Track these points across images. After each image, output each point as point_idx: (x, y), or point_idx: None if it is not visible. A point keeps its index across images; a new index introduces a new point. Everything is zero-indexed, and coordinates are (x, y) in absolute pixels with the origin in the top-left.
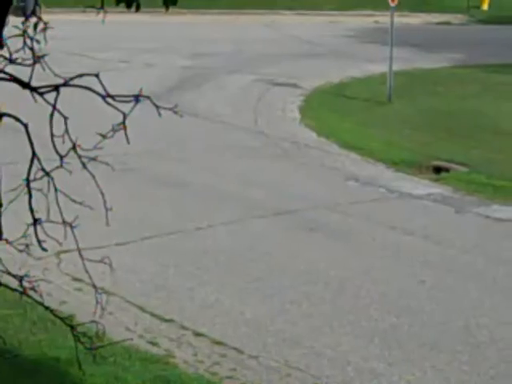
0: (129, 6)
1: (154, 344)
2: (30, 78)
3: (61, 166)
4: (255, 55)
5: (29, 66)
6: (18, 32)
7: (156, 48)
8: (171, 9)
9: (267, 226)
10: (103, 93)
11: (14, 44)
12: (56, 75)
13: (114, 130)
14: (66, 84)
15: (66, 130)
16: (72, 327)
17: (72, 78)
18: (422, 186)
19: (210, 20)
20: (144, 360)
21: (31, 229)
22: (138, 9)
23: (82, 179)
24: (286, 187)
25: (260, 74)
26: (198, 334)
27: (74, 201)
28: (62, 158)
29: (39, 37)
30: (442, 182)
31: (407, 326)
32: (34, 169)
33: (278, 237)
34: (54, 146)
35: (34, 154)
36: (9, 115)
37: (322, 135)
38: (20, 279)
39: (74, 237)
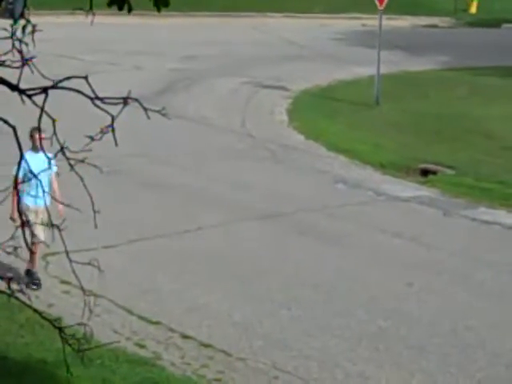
0: (120, 9)
1: (141, 346)
2: (19, 80)
3: (49, 168)
4: (244, 58)
5: (17, 68)
6: (6, 34)
7: (145, 50)
8: (161, 11)
9: (255, 229)
10: (92, 95)
11: (2, 46)
12: (45, 77)
13: (102, 133)
14: (54, 86)
15: (54, 133)
16: (60, 329)
17: (61, 81)
18: (409, 188)
19: (199, 23)
20: (131, 362)
21: (19, 231)
22: (129, 11)
23: (70, 181)
24: (274, 190)
25: (248, 76)
26: (185, 337)
27: (61, 203)
28: (50, 160)
29: (28, 39)
30: (430, 185)
31: (395, 328)
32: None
33: (267, 239)
34: (42, 148)
35: (22, 156)
36: None
37: (310, 138)
38: (8, 281)
39: (62, 239)
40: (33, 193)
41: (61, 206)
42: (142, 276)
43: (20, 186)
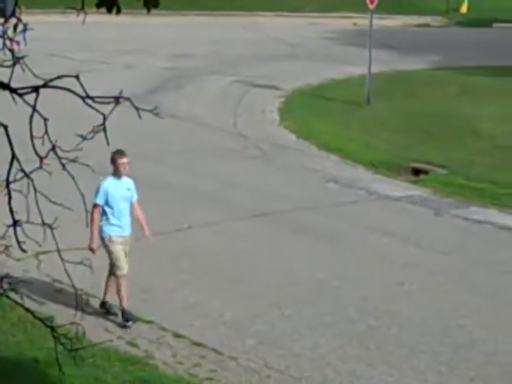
0: (109, 11)
1: (133, 345)
2: (10, 79)
3: (40, 167)
4: (235, 57)
5: (8, 67)
6: None
7: (136, 49)
8: (152, 10)
9: (247, 228)
10: (83, 94)
11: None
12: (36, 76)
13: (93, 132)
14: (45, 85)
15: (46, 132)
16: (52, 328)
17: (52, 80)
18: (400, 188)
19: (190, 21)
20: (123, 361)
21: (11, 230)
22: (118, 12)
23: (61, 181)
24: (266, 189)
25: (240, 75)
26: (177, 336)
27: (53, 202)
28: (41, 159)
29: (19, 38)
30: (421, 184)
31: (386, 327)
32: (13, 170)
33: (259, 238)
34: (34, 147)
35: (13, 155)
36: None
37: (302, 137)
38: (0, 280)
39: (54, 238)
40: (114, 221)
41: (148, 233)
42: (134, 275)
43: (96, 215)
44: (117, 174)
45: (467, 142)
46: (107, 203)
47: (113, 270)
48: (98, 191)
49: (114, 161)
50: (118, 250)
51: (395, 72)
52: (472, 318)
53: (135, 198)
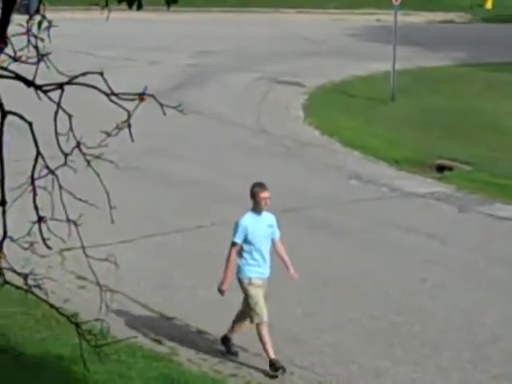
0: (130, 6)
1: (157, 342)
2: (35, 76)
3: (65, 164)
4: (259, 53)
5: (33, 64)
6: (22, 30)
7: (160, 46)
8: (174, 7)
9: None
10: (108, 91)
11: (18, 42)
12: (60, 73)
13: (118, 128)
14: (70, 82)
15: (71, 128)
16: (77, 325)
17: (76, 76)
18: (425, 184)
19: (213, 18)
20: (148, 358)
21: (36, 226)
22: (139, 8)
23: (86, 177)
24: (289, 185)
25: (263, 72)
26: (201, 332)
27: (78, 199)
28: (66, 156)
29: (43, 35)
30: (445, 181)
31: (409, 324)
32: (38, 167)
33: (281, 235)
34: (59, 144)
35: (38, 151)
36: (13, 113)
37: (325, 133)
38: (25, 277)
39: (79, 235)
40: (254, 262)
41: (292, 271)
42: (158, 271)
43: (234, 254)
44: (257, 209)
45: (492, 138)
46: (246, 241)
47: (251, 316)
48: (236, 228)
49: (254, 195)
50: (259, 294)
51: (419, 69)
52: (494, 315)
53: (277, 234)
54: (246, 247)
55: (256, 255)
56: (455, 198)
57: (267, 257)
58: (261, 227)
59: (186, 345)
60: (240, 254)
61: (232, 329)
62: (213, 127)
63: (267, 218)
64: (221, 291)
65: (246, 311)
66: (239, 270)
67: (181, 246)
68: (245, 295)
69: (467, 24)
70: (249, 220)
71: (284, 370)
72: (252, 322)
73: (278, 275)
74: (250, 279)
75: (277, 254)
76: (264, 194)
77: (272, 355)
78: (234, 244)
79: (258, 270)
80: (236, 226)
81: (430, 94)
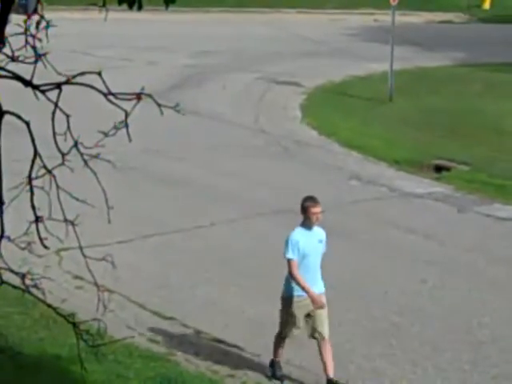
0: (131, 7)
1: (155, 342)
2: (32, 75)
3: (62, 163)
4: (257, 54)
5: (31, 63)
6: (20, 30)
7: (158, 46)
8: (173, 7)
9: (269, 225)
10: (105, 91)
11: (16, 42)
12: (58, 73)
13: (115, 128)
14: (68, 82)
15: (68, 128)
16: (74, 325)
17: (74, 76)
18: (423, 184)
19: (211, 18)
20: (145, 358)
21: (33, 226)
22: (140, 8)
23: (83, 177)
24: (288, 186)
25: (262, 72)
26: (199, 332)
27: (75, 198)
28: (63, 155)
29: (41, 35)
30: (444, 181)
31: (409, 324)
32: (35, 166)
33: (281, 235)
34: (56, 143)
35: (35, 151)
36: (11, 113)
37: (324, 134)
38: (22, 277)
39: (76, 234)
40: (304, 279)
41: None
42: (156, 271)
43: (296, 269)
44: (308, 224)
45: (490, 138)
46: (296, 257)
47: (284, 331)
48: (287, 245)
49: (305, 210)
50: (295, 313)
51: (418, 69)
52: (494, 315)
53: (323, 251)
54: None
55: (305, 272)
56: (454, 198)
57: (318, 273)
58: (311, 243)
59: (184, 345)
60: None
61: (325, 364)
62: (211, 127)
63: (318, 233)
64: (320, 305)
65: (316, 334)
66: (285, 288)
67: (179, 246)
68: (281, 311)
69: (465, 24)
70: (299, 235)
71: (280, 380)
72: (282, 335)
73: (279, 274)
74: (299, 297)
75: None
76: (315, 209)
77: (277, 358)
78: (290, 260)
79: (311, 286)
80: (287, 241)
81: (429, 94)
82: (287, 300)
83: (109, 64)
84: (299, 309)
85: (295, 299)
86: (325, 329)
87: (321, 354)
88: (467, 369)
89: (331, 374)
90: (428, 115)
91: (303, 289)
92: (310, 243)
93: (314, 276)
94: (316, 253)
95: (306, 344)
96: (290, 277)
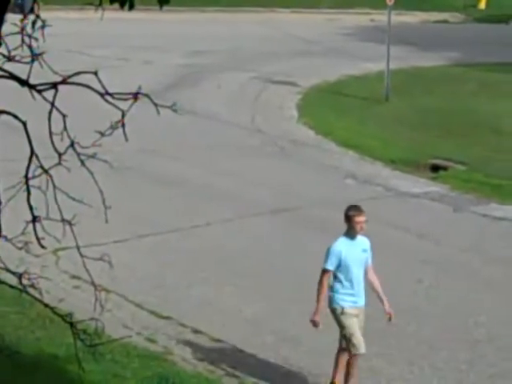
0: (122, 6)
1: (152, 341)
2: (29, 75)
3: (59, 163)
4: (252, 53)
5: (27, 63)
6: (16, 29)
7: (154, 46)
8: (168, 7)
9: (265, 224)
10: (102, 90)
11: (12, 41)
12: (54, 73)
13: (112, 128)
14: (64, 82)
15: (65, 128)
16: (71, 324)
17: (70, 76)
18: (419, 184)
19: (207, 18)
20: (142, 357)
21: (30, 226)
22: (131, 8)
23: (80, 177)
24: (284, 185)
25: (257, 71)
26: (196, 332)
27: (72, 198)
28: (60, 155)
29: (37, 34)
30: (440, 181)
31: (405, 324)
32: (32, 166)
33: (277, 235)
34: (53, 143)
35: (32, 151)
36: (7, 113)
37: (320, 133)
38: (19, 276)
39: (73, 234)
40: (347, 290)
41: (388, 307)
42: (153, 271)
43: (326, 282)
44: (351, 233)
45: (486, 138)
46: (339, 268)
47: (347, 346)
48: (328, 254)
49: (349, 218)
50: (353, 325)
51: (413, 68)
52: (490, 314)
53: (370, 261)
54: (338, 274)
55: (349, 283)
56: (449, 197)
57: (361, 284)
58: (355, 252)
59: (181, 344)
60: (332, 282)
61: (335, 369)
62: (207, 127)
63: (362, 242)
64: (314, 323)
65: (344, 343)
66: (331, 299)
67: (175, 245)
68: (339, 326)
69: (461, 24)
70: (342, 245)
71: None
72: (351, 352)
73: (275, 273)
74: (342, 309)
75: (368, 283)
76: (360, 218)
77: (336, 381)
78: (325, 271)
79: (351, 298)
80: (328, 251)
81: (425, 94)
82: (336, 311)
83: (105, 64)
84: (353, 318)
85: (347, 310)
86: (362, 345)
87: (350, 369)
88: (464, 368)
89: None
90: (424, 115)
91: (317, 303)
92: (353, 253)
93: (358, 287)
94: (359, 263)
95: (303, 342)
96: (319, 286)
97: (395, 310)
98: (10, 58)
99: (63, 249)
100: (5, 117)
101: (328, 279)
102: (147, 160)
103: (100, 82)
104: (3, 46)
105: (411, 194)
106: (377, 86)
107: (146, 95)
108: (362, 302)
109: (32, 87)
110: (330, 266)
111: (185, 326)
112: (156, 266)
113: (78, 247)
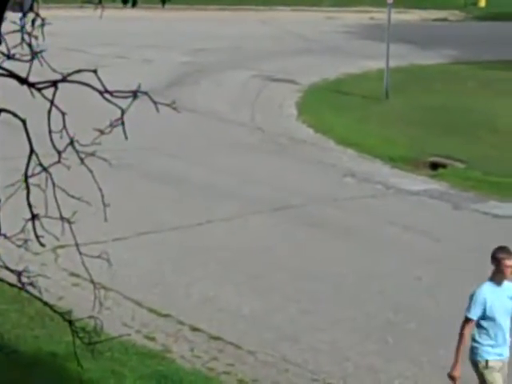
0: (125, 2)
1: (150, 339)
2: (28, 73)
3: (59, 161)
4: (253, 51)
5: (27, 61)
6: (15, 28)
7: (154, 44)
8: (170, 5)
9: (265, 222)
10: (101, 89)
11: (11, 40)
12: (54, 71)
13: (111, 126)
14: (64, 80)
15: (64, 126)
16: (70, 322)
17: (70, 74)
18: (419, 182)
19: (207, 16)
20: (141, 355)
21: (29, 224)
22: (134, 5)
23: (79, 175)
24: (284, 183)
25: (258, 70)
26: (194, 329)
27: (71, 196)
28: (59, 153)
29: (37, 32)
30: (439, 178)
31: (405, 322)
32: (32, 164)
33: (276, 232)
34: (52, 141)
35: (31, 149)
36: (7, 111)
37: (319, 131)
38: (18, 274)
39: (72, 232)
40: (491, 341)
41: None
42: (152, 269)
43: (468, 332)
44: (498, 278)
45: (486, 136)
46: (484, 317)
47: None
48: (471, 301)
49: (498, 262)
50: (497, 379)
51: (413, 66)
52: None
53: None
54: (483, 323)
55: (494, 333)
56: (449, 195)
57: (507, 334)
58: (501, 300)
59: (180, 342)
60: (474, 331)
61: None
62: (207, 125)
63: (508, 288)
64: (453, 378)
65: None
66: (473, 351)
67: (175, 243)
68: (480, 380)
69: (461, 22)
70: (488, 291)
71: None
72: None
73: (275, 272)
74: (486, 362)
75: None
76: (510, 262)
77: None
78: (468, 320)
79: (495, 350)
80: (471, 298)
81: (424, 92)
82: (478, 364)
83: (105, 62)
84: (497, 373)
85: (491, 363)
86: None
87: None
88: (464, 366)
89: None
90: (423, 113)
91: (456, 355)
92: (499, 300)
93: (504, 337)
94: (506, 312)
95: (301, 340)
96: (460, 336)
97: (395, 308)
98: (9, 56)
99: (62, 247)
100: (4, 115)
101: (470, 329)
102: (147, 158)
103: (100, 80)
104: (3, 44)
105: (410, 192)
106: (376, 84)
107: (146, 93)
108: (506, 353)
109: (31, 85)
110: (474, 315)
111: (184, 323)
112: (155, 263)
113: (77, 245)
